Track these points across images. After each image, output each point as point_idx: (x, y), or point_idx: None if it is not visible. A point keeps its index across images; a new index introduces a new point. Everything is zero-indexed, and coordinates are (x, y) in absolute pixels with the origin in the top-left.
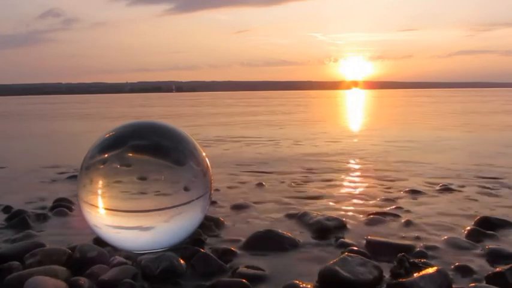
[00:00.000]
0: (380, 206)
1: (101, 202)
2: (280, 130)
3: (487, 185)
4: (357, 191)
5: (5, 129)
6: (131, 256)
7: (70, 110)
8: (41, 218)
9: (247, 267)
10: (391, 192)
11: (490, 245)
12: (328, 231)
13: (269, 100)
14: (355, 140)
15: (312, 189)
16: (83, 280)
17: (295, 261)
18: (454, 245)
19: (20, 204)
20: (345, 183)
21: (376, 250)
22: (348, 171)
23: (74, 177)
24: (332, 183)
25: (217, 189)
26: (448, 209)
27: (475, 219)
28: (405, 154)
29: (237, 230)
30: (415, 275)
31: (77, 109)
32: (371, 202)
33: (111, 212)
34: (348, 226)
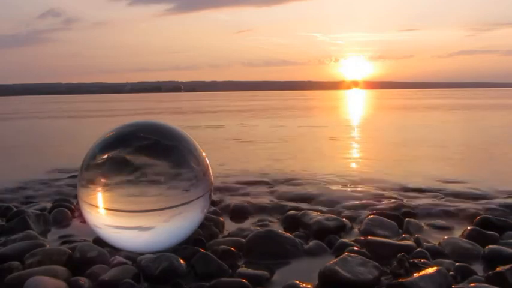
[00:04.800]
0: (380, 206)
1: (101, 202)
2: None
3: (487, 185)
4: (357, 191)
5: (3, 130)
6: (131, 256)
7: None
8: (41, 218)
9: (247, 267)
10: (391, 192)
11: (490, 245)
12: (328, 231)
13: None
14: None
15: (311, 188)
16: (83, 280)
17: (295, 261)
18: (454, 245)
19: (20, 204)
20: (345, 183)
21: (376, 250)
22: (347, 171)
23: (74, 177)
24: (332, 183)
25: (217, 189)
26: (448, 209)
27: (475, 220)
28: (406, 153)
29: (237, 230)
30: (415, 275)
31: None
32: (371, 202)
33: (111, 212)
34: (348, 226)
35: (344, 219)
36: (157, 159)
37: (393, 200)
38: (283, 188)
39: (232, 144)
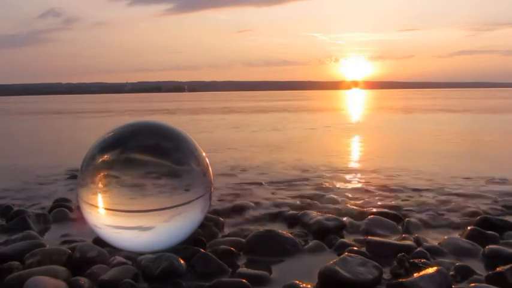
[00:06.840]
0: (380, 206)
1: (101, 202)
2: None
3: (487, 185)
4: (357, 191)
5: (4, 130)
6: (131, 256)
7: None
8: (41, 218)
9: (247, 267)
10: (391, 192)
11: (490, 245)
12: (328, 231)
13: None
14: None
15: (311, 189)
16: (83, 280)
17: (295, 261)
18: (454, 245)
19: (20, 204)
20: (345, 183)
21: (376, 250)
22: (347, 171)
23: (74, 177)
24: (332, 182)
25: (217, 190)
26: (448, 209)
27: (475, 220)
28: (405, 154)
29: (237, 230)
30: (415, 275)
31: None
32: (371, 202)
33: (111, 212)
34: (348, 226)
35: (344, 219)
36: (157, 159)
37: (393, 200)
38: None
39: None
